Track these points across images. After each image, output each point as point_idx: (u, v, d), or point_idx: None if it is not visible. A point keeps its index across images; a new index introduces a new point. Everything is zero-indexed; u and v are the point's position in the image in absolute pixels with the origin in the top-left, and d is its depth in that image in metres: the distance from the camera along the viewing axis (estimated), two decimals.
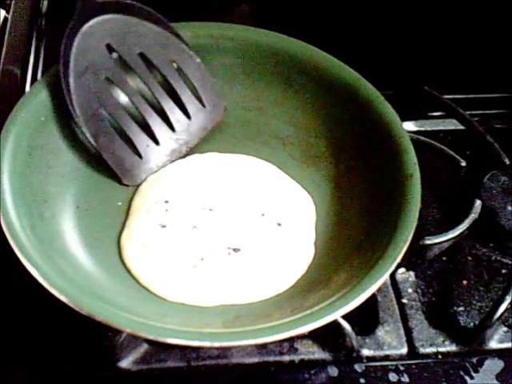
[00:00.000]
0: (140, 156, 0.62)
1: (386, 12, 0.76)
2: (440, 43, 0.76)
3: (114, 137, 0.61)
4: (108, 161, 0.61)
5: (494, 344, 0.58)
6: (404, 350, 0.58)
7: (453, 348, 0.58)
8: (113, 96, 0.61)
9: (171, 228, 0.59)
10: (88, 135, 0.60)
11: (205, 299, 0.55)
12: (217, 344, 0.50)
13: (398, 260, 0.53)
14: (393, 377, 0.56)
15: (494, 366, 0.57)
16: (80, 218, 0.59)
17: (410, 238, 0.55)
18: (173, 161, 0.63)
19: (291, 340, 0.57)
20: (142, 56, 0.62)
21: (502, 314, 0.57)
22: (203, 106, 0.64)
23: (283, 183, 0.63)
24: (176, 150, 0.63)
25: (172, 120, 0.63)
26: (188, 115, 0.64)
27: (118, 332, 0.53)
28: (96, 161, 0.62)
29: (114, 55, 0.62)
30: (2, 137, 0.57)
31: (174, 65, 0.64)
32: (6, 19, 0.68)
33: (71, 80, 0.59)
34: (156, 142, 0.63)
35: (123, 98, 0.62)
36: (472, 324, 0.59)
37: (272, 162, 0.64)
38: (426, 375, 0.56)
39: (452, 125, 0.73)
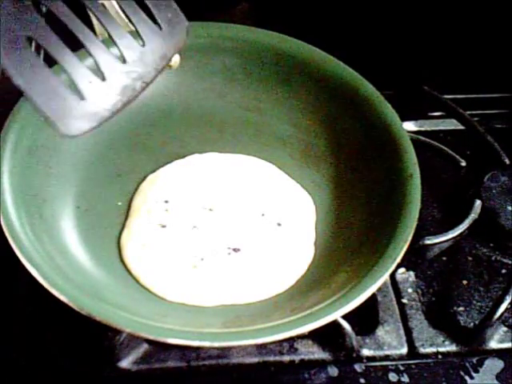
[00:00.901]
0: (81, 96, 0.48)
1: (385, 12, 0.76)
2: (440, 43, 0.76)
3: (44, 72, 0.47)
4: (38, 104, 0.47)
5: (494, 344, 0.58)
6: (404, 350, 0.58)
7: (453, 348, 0.58)
8: (42, 19, 0.48)
9: (171, 228, 0.59)
10: (11, 71, 0.46)
11: (205, 299, 0.55)
12: (217, 344, 0.50)
13: (398, 260, 0.53)
14: (393, 377, 0.56)
15: (493, 366, 0.57)
16: (80, 218, 0.59)
17: (409, 238, 0.55)
18: (125, 101, 0.50)
19: (291, 340, 0.57)
20: None
21: (502, 314, 0.57)
22: (159, 27, 0.52)
23: (283, 183, 0.63)
24: (129, 87, 0.50)
25: (121, 48, 0.50)
26: (142, 40, 0.51)
27: (117, 332, 0.53)
28: (96, 160, 0.62)
29: None
30: (2, 137, 0.57)
31: None
32: None
33: None
34: (101, 76, 0.49)
35: (56, 22, 0.48)
36: (472, 324, 0.59)
37: (272, 162, 0.64)
38: (426, 375, 0.56)
39: (452, 125, 0.73)
